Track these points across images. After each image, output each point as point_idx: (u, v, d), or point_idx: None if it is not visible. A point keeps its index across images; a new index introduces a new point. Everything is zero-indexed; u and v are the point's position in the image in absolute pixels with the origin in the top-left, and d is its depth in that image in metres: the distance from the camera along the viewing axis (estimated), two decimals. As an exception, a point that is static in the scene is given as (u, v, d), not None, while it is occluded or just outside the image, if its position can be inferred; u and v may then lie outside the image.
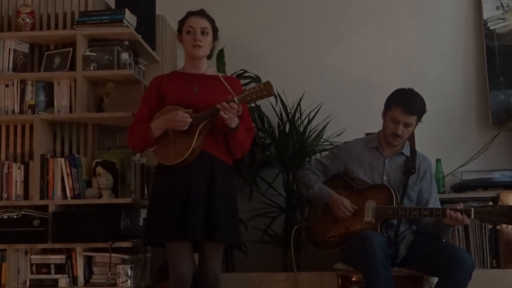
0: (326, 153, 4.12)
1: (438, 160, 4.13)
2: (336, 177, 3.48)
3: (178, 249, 3.01)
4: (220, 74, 3.28)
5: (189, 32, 3.11)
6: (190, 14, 3.17)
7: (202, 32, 3.11)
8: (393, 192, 3.26)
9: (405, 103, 3.25)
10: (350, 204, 3.31)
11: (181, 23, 3.17)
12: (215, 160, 3.07)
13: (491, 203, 3.12)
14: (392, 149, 3.39)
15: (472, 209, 3.08)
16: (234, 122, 2.99)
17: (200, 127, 2.98)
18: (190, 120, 2.97)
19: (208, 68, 3.23)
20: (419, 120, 3.31)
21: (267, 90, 2.92)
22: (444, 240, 3.37)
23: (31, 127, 3.78)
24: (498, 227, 3.66)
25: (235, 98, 2.94)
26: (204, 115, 2.98)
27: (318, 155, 4.15)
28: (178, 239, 2.99)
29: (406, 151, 3.40)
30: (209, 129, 3.02)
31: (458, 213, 3.05)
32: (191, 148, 2.97)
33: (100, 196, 3.62)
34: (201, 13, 3.17)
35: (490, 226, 3.78)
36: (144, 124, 3.10)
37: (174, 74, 3.23)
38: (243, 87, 3.22)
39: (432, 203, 3.34)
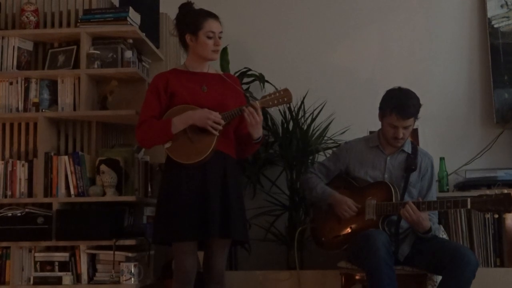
0: (329, 151, 4.13)
1: (442, 159, 4.12)
2: (338, 177, 3.49)
3: (185, 248, 3.01)
4: (221, 73, 3.28)
5: (209, 37, 3.08)
6: (207, 16, 3.10)
7: (219, 37, 3.12)
8: (392, 189, 3.27)
9: (400, 109, 3.24)
10: (354, 204, 3.31)
11: (196, 23, 3.07)
12: (226, 158, 3.07)
13: (487, 192, 3.10)
14: (393, 147, 3.40)
15: (469, 199, 3.08)
16: (258, 132, 3.03)
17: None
18: (223, 123, 2.98)
19: (209, 66, 3.22)
20: (416, 117, 3.32)
21: (287, 96, 3.05)
22: (447, 239, 3.36)
23: (35, 125, 3.79)
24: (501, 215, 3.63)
25: (257, 102, 3.00)
26: (227, 116, 2.99)
27: (321, 153, 4.15)
28: (193, 239, 2.99)
29: (407, 148, 3.40)
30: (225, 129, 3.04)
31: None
32: (212, 147, 2.97)
33: (104, 194, 3.62)
34: (215, 15, 3.13)
35: (493, 218, 3.74)
36: (159, 120, 3.05)
37: (177, 72, 3.18)
38: (246, 86, 3.23)
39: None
